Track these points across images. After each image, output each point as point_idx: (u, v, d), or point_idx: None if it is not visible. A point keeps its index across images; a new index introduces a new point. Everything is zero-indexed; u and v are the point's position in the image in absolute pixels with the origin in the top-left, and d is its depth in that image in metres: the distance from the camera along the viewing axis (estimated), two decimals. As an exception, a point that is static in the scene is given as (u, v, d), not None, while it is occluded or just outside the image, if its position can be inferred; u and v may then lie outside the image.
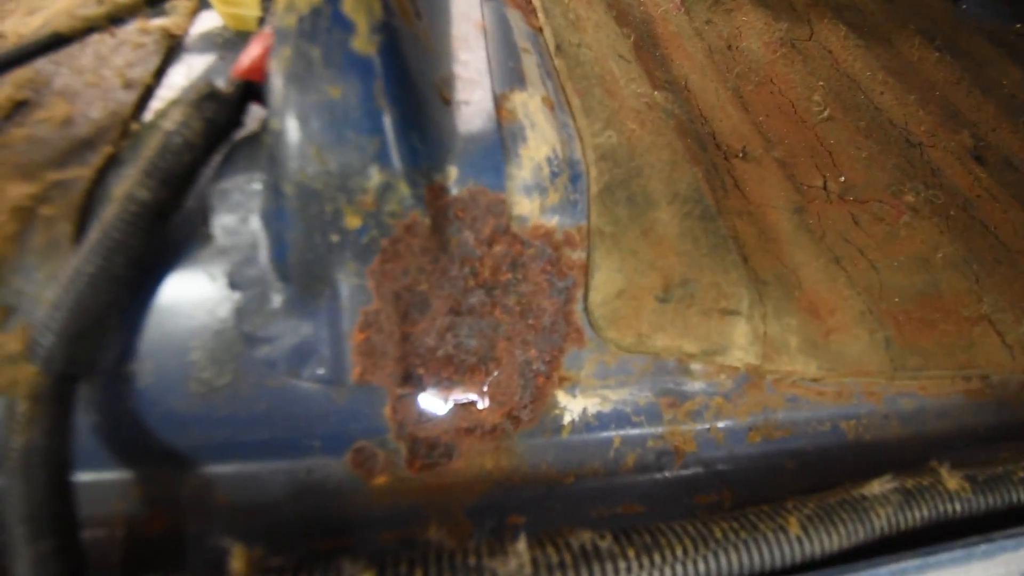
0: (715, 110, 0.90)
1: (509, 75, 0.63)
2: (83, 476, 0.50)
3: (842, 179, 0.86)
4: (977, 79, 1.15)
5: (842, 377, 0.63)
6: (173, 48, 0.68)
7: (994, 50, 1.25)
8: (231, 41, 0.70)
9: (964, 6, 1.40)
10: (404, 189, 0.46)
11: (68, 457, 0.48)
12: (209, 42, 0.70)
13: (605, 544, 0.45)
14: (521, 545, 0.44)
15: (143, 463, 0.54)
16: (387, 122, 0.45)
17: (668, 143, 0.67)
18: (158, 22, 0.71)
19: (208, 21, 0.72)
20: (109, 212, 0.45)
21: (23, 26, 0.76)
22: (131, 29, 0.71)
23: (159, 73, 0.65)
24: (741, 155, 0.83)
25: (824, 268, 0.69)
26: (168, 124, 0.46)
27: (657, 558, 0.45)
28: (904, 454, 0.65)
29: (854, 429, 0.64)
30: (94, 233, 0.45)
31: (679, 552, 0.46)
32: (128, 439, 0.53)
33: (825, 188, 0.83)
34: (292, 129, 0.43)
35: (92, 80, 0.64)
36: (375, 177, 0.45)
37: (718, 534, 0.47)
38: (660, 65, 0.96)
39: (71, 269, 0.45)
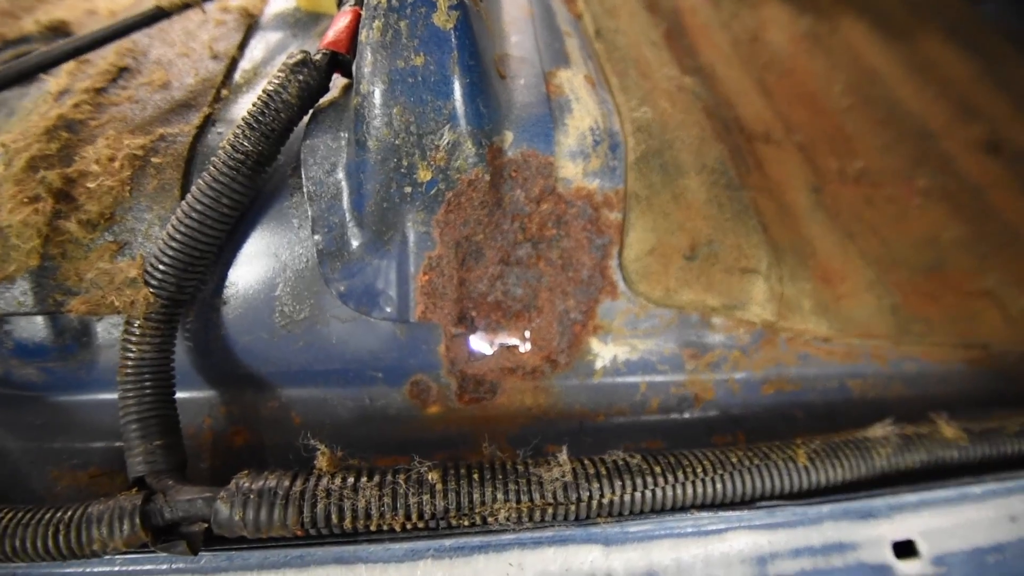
0: (740, 96, 0.96)
1: (555, 55, 0.70)
2: (177, 393, 0.58)
3: (858, 164, 0.91)
4: (995, 76, 1.19)
5: (850, 338, 0.69)
6: (251, 25, 0.76)
7: (1013, 49, 1.29)
8: (302, 21, 0.78)
9: (986, 8, 1.43)
10: (470, 147, 0.53)
11: (173, 370, 0.56)
12: (282, 21, 0.78)
13: (635, 461, 0.52)
14: (563, 457, 0.50)
15: (229, 384, 0.62)
16: (458, 88, 0.52)
17: (697, 121, 0.73)
18: (237, 2, 0.79)
19: (281, 2, 0.80)
20: (217, 159, 0.53)
21: (112, 3, 0.85)
22: (212, 7, 0.79)
23: (242, 47, 0.72)
24: (763, 138, 0.89)
25: (838, 242, 0.75)
26: (269, 86, 0.53)
27: (680, 475, 0.52)
28: (905, 413, 0.71)
29: (860, 387, 0.70)
30: (204, 177, 0.52)
31: (699, 471, 0.52)
32: (217, 363, 0.61)
33: (842, 172, 0.89)
34: (379, 91, 0.50)
35: (183, 51, 0.71)
36: (447, 136, 0.52)
37: (734, 460, 0.54)
38: (688, 54, 1.02)
39: (184, 206, 0.52)
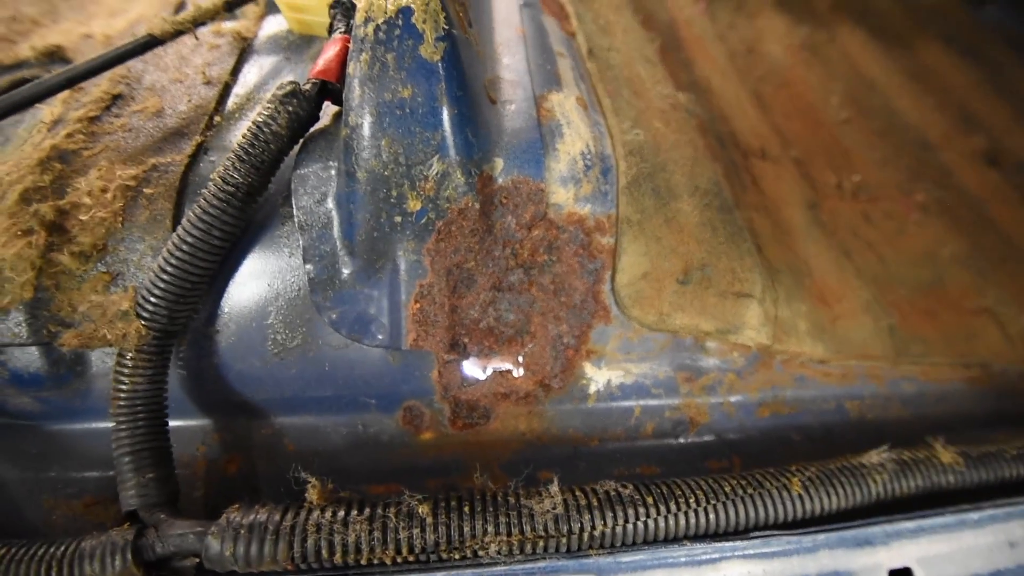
0: (735, 111, 0.95)
1: (547, 77, 0.70)
2: (170, 422, 0.58)
3: (856, 178, 0.90)
4: (995, 84, 1.18)
5: (847, 360, 0.68)
6: (245, 49, 0.76)
7: (1014, 56, 1.27)
8: (295, 44, 0.78)
9: (986, 12, 1.42)
10: (459, 177, 0.53)
11: (166, 401, 0.56)
12: (276, 44, 0.78)
13: (627, 492, 0.51)
14: (554, 488, 0.50)
15: (222, 413, 0.62)
16: (447, 119, 0.51)
17: (690, 141, 0.73)
18: (230, 25, 0.79)
19: (274, 25, 0.80)
20: (207, 191, 0.53)
21: (108, 27, 0.85)
22: (205, 32, 0.79)
23: (235, 72, 0.72)
24: (759, 154, 0.88)
25: (834, 260, 0.75)
26: (258, 117, 0.53)
27: (672, 506, 0.51)
28: (904, 434, 0.70)
29: (857, 408, 0.69)
30: (194, 209, 0.53)
31: (692, 502, 0.52)
32: (210, 391, 0.61)
33: (839, 186, 0.88)
34: (367, 124, 0.50)
35: (176, 77, 0.72)
36: (435, 166, 0.52)
37: (727, 489, 0.53)
38: (684, 68, 1.02)
39: (175, 239, 0.52)
